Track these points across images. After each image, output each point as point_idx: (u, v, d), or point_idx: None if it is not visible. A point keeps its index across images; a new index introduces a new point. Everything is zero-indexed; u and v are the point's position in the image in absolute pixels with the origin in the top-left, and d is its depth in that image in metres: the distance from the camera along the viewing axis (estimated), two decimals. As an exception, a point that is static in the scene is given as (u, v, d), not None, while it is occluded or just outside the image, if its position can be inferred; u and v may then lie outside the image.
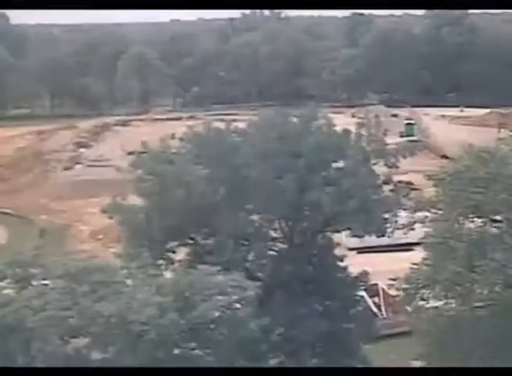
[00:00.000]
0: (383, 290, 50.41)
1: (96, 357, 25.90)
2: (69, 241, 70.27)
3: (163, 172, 34.25)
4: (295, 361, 34.28)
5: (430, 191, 34.39)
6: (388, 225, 35.17)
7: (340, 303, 35.55)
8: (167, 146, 36.99)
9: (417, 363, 33.87)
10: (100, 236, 69.55)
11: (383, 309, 49.89)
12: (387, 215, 35.15)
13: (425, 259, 31.46)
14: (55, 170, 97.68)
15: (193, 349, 26.59)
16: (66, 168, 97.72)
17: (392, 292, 48.51)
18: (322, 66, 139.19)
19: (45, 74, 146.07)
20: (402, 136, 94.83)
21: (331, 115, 39.21)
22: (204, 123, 36.56)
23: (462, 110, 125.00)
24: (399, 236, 36.41)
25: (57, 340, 24.77)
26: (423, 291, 30.91)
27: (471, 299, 29.81)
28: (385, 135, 37.40)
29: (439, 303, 31.47)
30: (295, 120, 36.39)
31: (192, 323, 26.02)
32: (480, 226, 30.64)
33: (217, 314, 26.44)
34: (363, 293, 42.29)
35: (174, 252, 35.26)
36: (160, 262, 33.37)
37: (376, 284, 48.78)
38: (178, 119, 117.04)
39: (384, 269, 47.67)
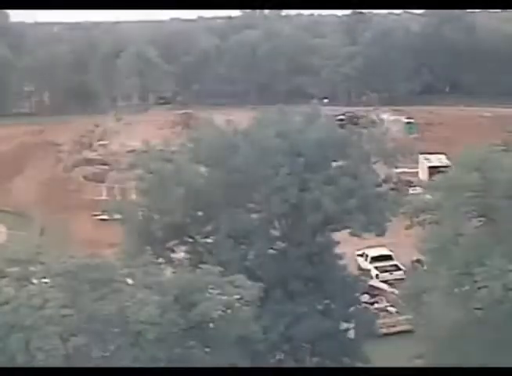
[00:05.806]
0: (383, 289, 50.41)
1: (96, 355, 25.84)
2: (69, 239, 70.12)
3: (163, 171, 34.17)
4: (295, 360, 34.22)
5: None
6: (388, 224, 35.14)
7: (340, 302, 35.47)
8: (167, 145, 36.95)
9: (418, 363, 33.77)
10: (99, 236, 69.31)
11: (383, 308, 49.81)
12: (386, 214, 35.10)
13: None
14: (54, 168, 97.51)
15: (193, 348, 26.55)
16: (65, 167, 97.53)
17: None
18: (322, 64, 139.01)
19: (45, 72, 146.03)
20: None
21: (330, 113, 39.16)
22: (204, 121, 36.50)
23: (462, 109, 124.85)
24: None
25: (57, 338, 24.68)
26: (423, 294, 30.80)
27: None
28: (385, 134, 37.40)
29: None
30: (295, 118, 36.33)
31: (192, 322, 25.97)
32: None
33: (217, 313, 26.38)
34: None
35: (173, 251, 35.21)
36: (160, 260, 33.31)
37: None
38: (178, 117, 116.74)
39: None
